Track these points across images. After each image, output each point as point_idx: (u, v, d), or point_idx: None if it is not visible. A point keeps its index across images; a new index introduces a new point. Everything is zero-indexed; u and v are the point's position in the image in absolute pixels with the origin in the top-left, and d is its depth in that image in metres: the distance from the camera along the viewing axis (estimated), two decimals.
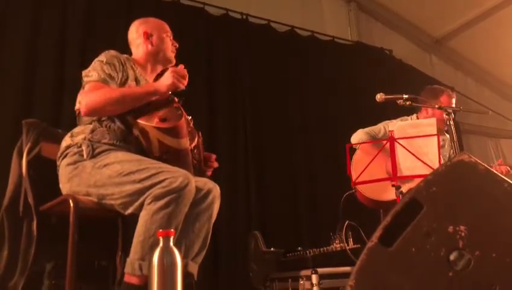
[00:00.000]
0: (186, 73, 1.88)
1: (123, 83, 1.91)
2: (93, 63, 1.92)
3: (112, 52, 1.98)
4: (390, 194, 2.51)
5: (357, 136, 2.95)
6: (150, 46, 2.10)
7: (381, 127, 2.99)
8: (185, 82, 1.86)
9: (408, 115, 3.13)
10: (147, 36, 2.11)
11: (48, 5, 3.19)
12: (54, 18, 3.19)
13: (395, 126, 2.37)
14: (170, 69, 1.85)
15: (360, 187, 2.73)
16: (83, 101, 1.78)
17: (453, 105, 3.00)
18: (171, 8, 3.68)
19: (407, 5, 5.24)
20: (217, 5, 4.04)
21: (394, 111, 3.14)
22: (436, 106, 2.73)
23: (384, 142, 2.38)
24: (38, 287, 1.88)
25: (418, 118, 3.04)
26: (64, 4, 3.27)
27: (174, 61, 2.16)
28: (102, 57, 1.93)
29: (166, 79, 1.82)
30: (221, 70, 3.92)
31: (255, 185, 3.72)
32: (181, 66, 1.92)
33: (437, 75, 5.56)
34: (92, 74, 1.85)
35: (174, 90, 1.85)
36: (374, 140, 2.88)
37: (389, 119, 3.13)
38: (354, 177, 2.44)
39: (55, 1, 3.23)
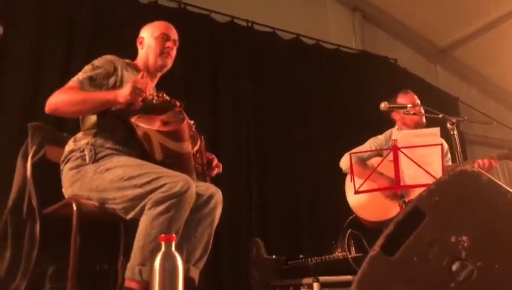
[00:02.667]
0: (145, 85, 1.77)
1: (117, 87, 1.90)
2: (86, 65, 1.94)
3: (109, 56, 1.99)
4: (392, 211, 2.51)
5: (345, 159, 2.93)
6: (142, 51, 2.12)
7: (368, 146, 2.97)
8: (144, 94, 1.77)
9: (392, 127, 3.11)
10: (140, 41, 2.13)
11: (55, 10, 3.22)
12: (61, 23, 3.22)
13: (399, 135, 2.37)
14: (131, 81, 1.78)
15: (360, 213, 2.74)
16: (49, 98, 1.80)
17: (415, 99, 2.98)
18: (177, 14, 3.71)
19: (412, 14, 5.24)
20: (222, 12, 4.07)
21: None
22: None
23: (388, 151, 2.37)
24: (39, 289, 1.88)
25: (399, 129, 3.02)
26: (72, 10, 3.29)
27: (164, 67, 2.10)
28: (97, 60, 1.96)
29: (125, 89, 1.76)
30: (225, 77, 3.94)
31: (257, 191, 3.72)
32: (142, 75, 1.84)
33: (442, 85, 5.56)
34: (77, 74, 1.88)
35: (132, 101, 1.77)
36: (361, 161, 2.85)
37: (393, 127, 3.12)
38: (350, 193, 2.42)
39: (62, 7, 3.26)
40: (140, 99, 1.77)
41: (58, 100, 1.79)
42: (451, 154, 2.98)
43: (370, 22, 5.36)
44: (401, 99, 3.00)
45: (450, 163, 2.96)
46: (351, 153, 2.78)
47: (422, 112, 2.84)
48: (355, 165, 2.74)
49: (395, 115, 3.04)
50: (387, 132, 3.06)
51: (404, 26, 5.45)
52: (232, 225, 3.45)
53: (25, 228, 1.86)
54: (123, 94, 1.76)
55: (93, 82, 1.86)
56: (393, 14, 5.33)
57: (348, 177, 2.84)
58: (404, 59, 5.29)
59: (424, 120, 2.87)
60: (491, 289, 1.04)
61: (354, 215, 2.80)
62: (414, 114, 2.76)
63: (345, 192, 2.90)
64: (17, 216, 1.88)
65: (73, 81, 1.85)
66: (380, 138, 2.98)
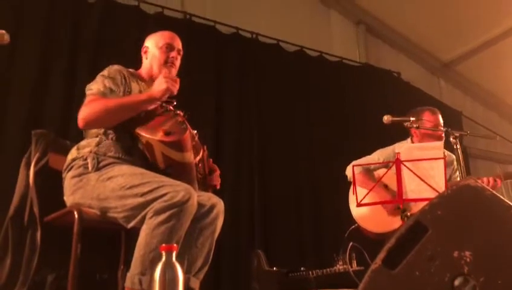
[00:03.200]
0: (177, 78, 1.89)
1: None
2: (96, 77, 1.95)
3: (115, 66, 2.01)
4: (393, 224, 2.50)
5: (350, 169, 2.93)
6: (146, 61, 2.14)
7: (376, 157, 2.96)
8: (177, 86, 1.87)
9: (404, 140, 3.09)
10: (145, 51, 2.15)
11: (61, 20, 3.24)
12: (66, 32, 3.24)
13: (402, 148, 2.36)
14: (162, 74, 1.87)
15: (362, 223, 2.73)
16: (80, 114, 1.81)
17: (440, 121, 2.96)
18: (182, 25, 3.74)
19: (416, 28, 5.27)
20: (227, 24, 4.10)
21: (401, 133, 3.13)
22: (443, 129, 2.72)
23: (390, 165, 2.37)
24: None
25: (412, 142, 3.01)
26: (77, 19, 3.32)
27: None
28: (105, 71, 1.97)
29: (160, 84, 1.83)
30: (230, 87, 3.95)
31: (259, 203, 3.70)
32: (165, 72, 1.93)
33: (445, 99, 5.56)
34: (93, 87, 1.89)
35: (168, 95, 1.84)
36: (367, 171, 2.85)
37: (397, 141, 3.11)
38: (353, 204, 2.42)
39: (68, 16, 3.28)
40: (175, 92, 1.84)
41: (93, 112, 1.79)
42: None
43: (374, 35, 5.39)
44: (426, 117, 2.93)
45: (457, 175, 2.92)
46: (354, 165, 2.78)
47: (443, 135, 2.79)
48: (360, 175, 2.75)
49: (414, 129, 2.99)
50: (399, 143, 3.05)
51: (407, 40, 5.48)
52: (234, 236, 3.43)
53: (26, 235, 1.86)
54: (158, 89, 1.83)
55: (113, 93, 1.88)
56: (397, 28, 5.36)
57: (351, 188, 2.83)
58: (407, 73, 5.30)
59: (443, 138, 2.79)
60: None
61: (356, 225, 2.78)
62: (418, 127, 2.74)
63: (347, 203, 2.89)
64: (18, 224, 1.87)
65: (95, 94, 1.85)
66: (388, 150, 2.96)
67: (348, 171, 2.94)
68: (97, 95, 1.85)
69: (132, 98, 1.88)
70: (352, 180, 2.80)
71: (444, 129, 2.72)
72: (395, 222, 2.50)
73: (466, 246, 1.07)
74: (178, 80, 1.89)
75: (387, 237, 2.62)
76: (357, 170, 2.76)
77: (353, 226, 2.81)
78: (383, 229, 2.65)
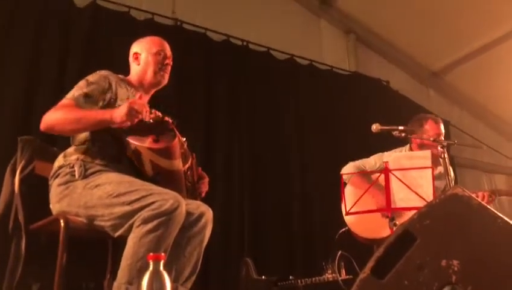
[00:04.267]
0: (142, 105, 1.77)
1: (112, 103, 1.90)
2: (80, 81, 1.93)
3: (103, 72, 1.98)
4: (383, 232, 2.50)
5: (347, 169, 2.94)
6: (137, 67, 2.10)
7: (372, 161, 2.97)
8: (141, 116, 1.74)
9: (402, 146, 3.12)
10: (136, 56, 2.11)
11: (50, 25, 3.22)
12: (56, 37, 3.22)
13: (390, 157, 2.37)
14: (129, 101, 1.77)
15: (352, 227, 2.73)
16: (43, 117, 1.79)
17: (441, 130, 2.97)
18: (173, 32, 3.73)
19: (405, 37, 5.32)
20: (218, 31, 4.11)
21: (390, 142, 3.15)
22: (431, 139, 2.74)
23: (379, 173, 2.37)
24: None
25: (411, 149, 3.03)
26: (67, 24, 3.30)
27: (161, 83, 2.10)
28: (91, 76, 1.94)
29: (122, 109, 1.74)
30: (220, 94, 3.95)
31: (248, 211, 3.69)
32: (139, 97, 1.84)
33: (433, 108, 5.60)
34: (71, 92, 1.87)
35: (129, 122, 1.75)
36: (364, 173, 2.86)
37: (387, 150, 3.13)
38: (347, 208, 2.42)
39: (57, 21, 3.26)
40: (136, 120, 1.75)
41: (53, 118, 1.78)
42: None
43: (363, 44, 5.43)
44: (428, 126, 2.94)
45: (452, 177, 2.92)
46: (342, 174, 2.78)
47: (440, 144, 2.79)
48: (356, 177, 2.76)
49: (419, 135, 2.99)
50: (397, 150, 3.06)
51: (397, 49, 5.53)
52: (222, 244, 3.41)
53: (10, 243, 1.82)
54: (119, 114, 1.74)
55: (89, 99, 1.85)
56: (387, 37, 5.41)
57: (346, 189, 2.82)
58: (396, 81, 5.34)
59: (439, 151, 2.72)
60: None
61: (346, 228, 2.78)
62: (406, 137, 2.75)
63: (337, 211, 2.88)
64: (2, 231, 1.84)
65: (68, 98, 1.84)
66: (386, 155, 2.97)
67: (344, 171, 2.93)
68: (70, 100, 1.83)
69: (95, 114, 1.81)
70: (347, 180, 2.81)
71: (432, 139, 2.74)
72: (387, 228, 2.49)
73: (454, 255, 1.08)
74: (144, 107, 1.76)
75: (377, 242, 2.64)
76: (353, 169, 2.77)
77: (343, 229, 2.81)
78: (374, 235, 2.65)
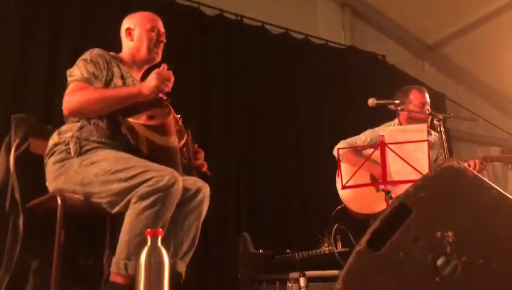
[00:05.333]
0: (171, 75, 1.83)
1: (108, 82, 1.89)
2: (77, 61, 1.90)
3: (97, 50, 1.95)
4: (379, 206, 2.52)
5: (336, 150, 2.94)
6: (131, 43, 2.07)
7: (363, 137, 2.97)
8: (170, 84, 1.81)
9: (391, 120, 3.12)
10: (129, 32, 2.08)
11: (42, 4, 3.16)
12: (47, 15, 3.16)
13: (385, 131, 2.37)
14: (155, 71, 1.80)
15: (348, 203, 2.75)
16: (64, 103, 1.78)
17: (426, 99, 2.99)
18: (165, 6, 3.66)
19: (401, 11, 5.26)
20: (212, 6, 4.03)
21: (387, 116, 3.15)
22: (427, 112, 2.75)
23: (375, 147, 2.38)
24: (23, 284, 1.85)
25: (400, 123, 3.03)
26: (58, 1, 3.24)
27: (155, 60, 2.09)
28: (87, 55, 1.91)
29: (150, 81, 1.78)
30: (214, 70, 3.91)
31: (245, 186, 3.71)
32: (164, 67, 1.85)
33: (429, 82, 5.58)
34: (75, 73, 1.84)
35: (158, 93, 1.80)
36: (355, 150, 2.86)
37: (383, 123, 3.13)
38: (340, 186, 2.44)
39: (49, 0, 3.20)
40: (166, 90, 1.79)
41: (76, 101, 1.76)
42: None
43: (359, 17, 5.37)
44: (413, 96, 2.97)
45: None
46: (338, 148, 2.79)
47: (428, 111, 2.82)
48: (349, 153, 2.78)
49: (403, 113, 3.01)
50: (386, 124, 3.07)
51: (393, 23, 5.47)
52: (220, 219, 3.44)
53: (7, 222, 1.83)
54: (148, 86, 1.77)
55: (96, 78, 1.84)
56: (383, 10, 5.35)
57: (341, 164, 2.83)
58: (392, 55, 5.31)
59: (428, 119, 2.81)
60: (476, 284, 1.05)
61: (342, 206, 2.80)
62: (402, 110, 2.77)
63: (333, 185, 2.91)
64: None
65: (80, 80, 1.81)
66: (377, 131, 2.98)
67: (335, 152, 2.95)
68: (81, 82, 1.81)
69: (120, 91, 1.82)
70: (341, 158, 2.82)
71: (428, 112, 2.74)
72: (383, 202, 2.51)
73: (449, 226, 1.09)
74: (172, 77, 1.82)
75: (373, 217, 2.66)
76: (343, 151, 2.79)
77: (339, 207, 2.83)
78: (370, 210, 2.67)
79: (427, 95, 2.99)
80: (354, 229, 2.61)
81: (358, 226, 2.64)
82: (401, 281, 1.07)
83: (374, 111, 2.72)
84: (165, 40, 2.11)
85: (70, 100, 1.78)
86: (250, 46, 4.17)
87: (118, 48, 2.13)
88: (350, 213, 2.78)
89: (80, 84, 1.80)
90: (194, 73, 3.74)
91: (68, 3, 3.27)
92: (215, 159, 3.54)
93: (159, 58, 2.10)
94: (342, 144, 2.93)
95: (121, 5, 3.36)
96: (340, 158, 2.74)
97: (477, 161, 2.76)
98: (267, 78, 4.18)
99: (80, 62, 1.89)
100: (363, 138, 2.96)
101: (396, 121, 3.06)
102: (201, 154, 2.14)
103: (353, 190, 2.62)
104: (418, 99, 2.94)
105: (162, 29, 2.11)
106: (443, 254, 1.06)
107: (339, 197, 2.81)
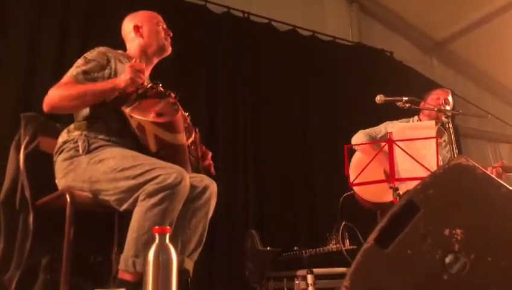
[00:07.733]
0: (143, 66, 1.81)
1: (109, 79, 1.88)
2: (80, 58, 1.92)
3: (102, 48, 1.97)
4: (388, 196, 2.51)
5: (357, 137, 2.97)
6: (141, 39, 2.09)
7: (382, 128, 3.00)
8: (143, 76, 1.79)
9: (410, 117, 3.13)
10: (137, 29, 2.10)
11: (50, 3, 3.18)
12: (55, 12, 3.18)
13: (394, 128, 2.37)
14: (128, 64, 1.80)
15: (358, 190, 2.74)
16: (45, 98, 1.78)
17: (448, 98, 3.01)
18: (173, 5, 3.67)
19: (409, 7, 5.23)
20: (218, 3, 4.04)
21: (395, 113, 3.14)
22: (436, 109, 2.73)
23: (383, 143, 2.37)
24: (33, 281, 1.88)
25: (420, 120, 3.05)
26: (66, 2, 3.26)
27: (169, 50, 2.13)
28: (89, 53, 1.93)
29: (125, 74, 1.77)
30: (222, 67, 3.92)
31: (253, 183, 3.72)
32: (136, 60, 1.86)
33: (437, 78, 5.56)
34: (70, 70, 1.86)
35: (133, 84, 1.78)
36: (372, 140, 2.90)
37: (390, 120, 3.12)
38: (351, 179, 2.43)
39: None
40: (140, 82, 1.76)
41: (56, 96, 1.76)
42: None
43: (367, 14, 5.34)
44: (431, 95, 3.04)
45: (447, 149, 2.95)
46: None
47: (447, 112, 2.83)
48: (367, 145, 2.82)
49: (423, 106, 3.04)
50: (403, 120, 3.10)
51: (400, 19, 5.44)
52: (228, 216, 3.45)
53: (18, 219, 1.85)
54: (123, 79, 1.76)
55: (88, 76, 1.84)
56: (390, 7, 5.32)
57: (355, 155, 2.86)
58: (400, 52, 5.28)
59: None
60: (484, 282, 1.04)
61: (351, 192, 2.79)
62: (409, 107, 2.75)
63: (341, 182, 2.89)
64: (10, 208, 1.86)
65: (68, 76, 1.83)
66: (395, 123, 3.01)
67: (354, 139, 2.98)
68: (69, 78, 1.82)
69: (95, 86, 1.81)
70: (355, 149, 2.85)
71: (437, 109, 2.73)
72: (390, 194, 2.50)
73: (457, 224, 1.08)
74: (143, 68, 1.80)
75: (381, 207, 2.66)
76: (360, 140, 2.85)
77: (347, 193, 2.82)
78: (379, 198, 2.66)
79: (448, 97, 3.05)
80: (362, 225, 2.60)
81: (366, 223, 2.63)
82: (409, 279, 1.06)
83: (382, 108, 2.71)
84: (171, 34, 2.15)
85: (49, 96, 1.77)
86: (258, 43, 4.17)
87: (124, 44, 2.14)
88: (358, 201, 2.77)
89: (64, 80, 1.81)
90: (201, 71, 3.75)
91: (76, 3, 3.29)
92: (222, 156, 3.55)
93: (170, 50, 2.14)
94: (360, 133, 2.97)
95: (129, 4, 3.36)
96: (356, 147, 2.77)
97: (494, 170, 2.79)
98: (274, 75, 4.17)
99: (80, 59, 1.91)
100: (382, 129, 3.01)
101: (416, 117, 3.09)
102: (209, 155, 2.15)
103: (366, 177, 2.62)
104: (438, 94, 3.01)
105: (165, 25, 2.16)
106: (451, 252, 1.06)
107: (348, 188, 2.80)
